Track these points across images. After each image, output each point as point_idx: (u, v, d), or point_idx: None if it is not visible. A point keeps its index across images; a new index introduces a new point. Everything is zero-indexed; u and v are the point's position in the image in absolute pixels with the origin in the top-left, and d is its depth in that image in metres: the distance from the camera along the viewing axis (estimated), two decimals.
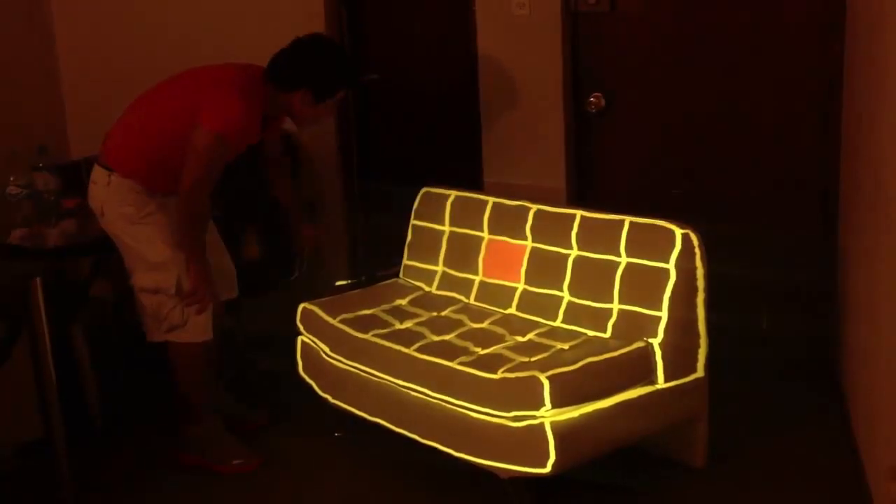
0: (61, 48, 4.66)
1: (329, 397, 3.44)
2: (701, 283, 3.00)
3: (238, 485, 3.32)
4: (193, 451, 3.42)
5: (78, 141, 4.61)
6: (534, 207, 3.42)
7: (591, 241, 3.21)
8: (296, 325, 3.57)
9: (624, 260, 3.10)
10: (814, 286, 3.71)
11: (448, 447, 2.98)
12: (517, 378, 2.81)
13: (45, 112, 4.60)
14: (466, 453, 2.92)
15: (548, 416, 2.76)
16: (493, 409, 2.82)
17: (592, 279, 3.17)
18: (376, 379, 3.19)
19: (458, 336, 3.23)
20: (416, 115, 4.46)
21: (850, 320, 3.37)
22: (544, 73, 3.93)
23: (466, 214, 3.62)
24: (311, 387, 3.52)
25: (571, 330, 3.18)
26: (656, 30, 3.86)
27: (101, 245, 3.57)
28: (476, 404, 2.86)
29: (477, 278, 3.55)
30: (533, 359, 2.96)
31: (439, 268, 3.68)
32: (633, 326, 3.03)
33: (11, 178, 3.73)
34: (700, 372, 3.07)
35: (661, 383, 2.99)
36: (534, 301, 3.34)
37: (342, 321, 3.38)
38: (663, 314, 2.97)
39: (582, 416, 2.81)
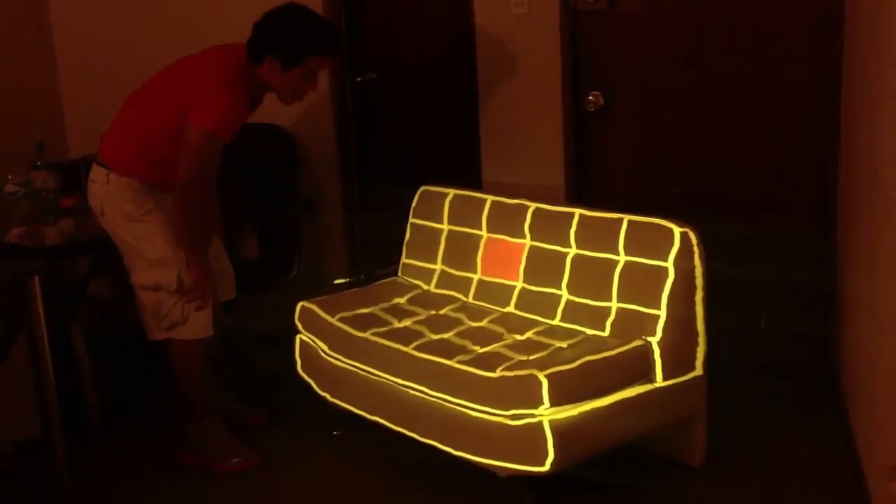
0: (60, 46, 4.65)
1: (328, 396, 3.44)
2: (699, 282, 3.00)
3: (237, 484, 3.31)
4: (192, 450, 3.42)
5: (76, 139, 4.60)
6: (532, 206, 3.42)
7: (589, 239, 3.21)
8: (294, 323, 3.57)
9: (622, 258, 3.10)
10: (812, 285, 3.72)
11: (447, 446, 2.98)
12: (516, 376, 2.81)
13: (43, 110, 4.60)
14: (465, 452, 2.92)
15: (546, 414, 2.76)
16: (492, 407, 2.82)
17: (591, 278, 3.17)
18: (375, 377, 3.19)
19: (457, 334, 3.23)
20: (415, 114, 4.46)
21: (848, 319, 3.37)
22: (543, 72, 3.93)
23: (465, 213, 3.62)
24: (309, 385, 3.52)
25: (570, 328, 3.18)
26: (655, 28, 3.86)
27: (99, 244, 3.57)
28: (475, 403, 2.86)
29: (475, 277, 3.55)
30: (531, 357, 2.96)
31: (438, 266, 3.68)
32: (631, 325, 3.03)
33: (10, 177, 3.72)
34: (698, 371, 3.07)
35: (659, 382, 2.99)
36: (532, 299, 3.34)
37: (341, 320, 3.38)
38: (662, 313, 2.97)
39: (580, 414, 2.81)
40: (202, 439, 3.42)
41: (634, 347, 2.97)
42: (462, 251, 3.60)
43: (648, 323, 2.99)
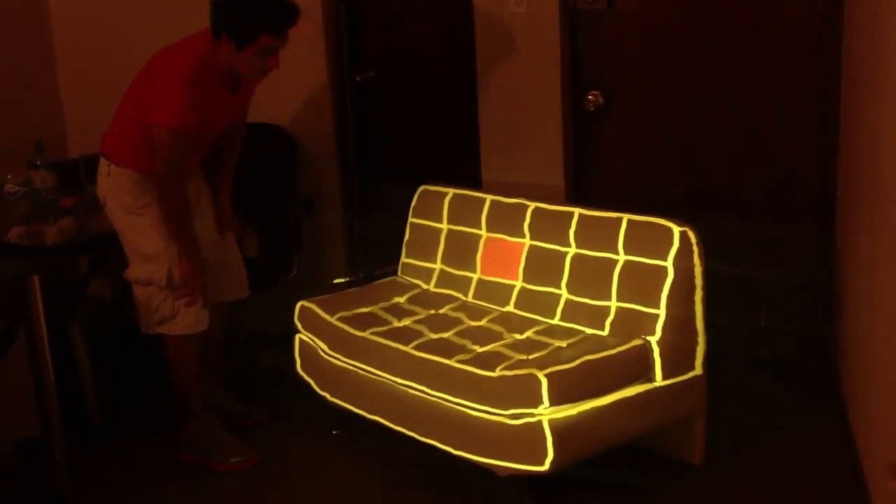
0: (59, 46, 4.65)
1: (327, 395, 3.44)
2: (699, 281, 3.00)
3: (236, 483, 3.31)
4: (191, 449, 3.42)
5: (76, 139, 4.60)
6: (532, 205, 3.42)
7: (589, 238, 3.21)
8: (294, 322, 3.57)
9: (622, 258, 3.10)
10: (812, 284, 3.72)
11: (446, 445, 2.98)
12: (515, 376, 2.81)
13: (42, 110, 4.60)
14: (465, 451, 2.92)
15: (546, 413, 2.76)
16: (492, 406, 2.82)
17: (590, 277, 3.17)
18: (374, 377, 3.19)
19: (457, 334, 3.23)
20: (415, 113, 4.45)
21: (848, 318, 3.37)
22: (542, 71, 3.93)
23: (464, 212, 3.62)
24: (309, 385, 3.52)
25: (569, 328, 3.18)
26: (654, 27, 3.86)
27: (99, 243, 3.57)
28: (474, 402, 2.86)
29: (475, 276, 3.55)
30: (531, 357, 2.96)
31: (437, 265, 3.68)
32: (631, 324, 3.03)
33: (9, 177, 3.73)
34: (698, 370, 3.07)
35: (659, 381, 2.99)
36: (532, 299, 3.34)
37: (340, 319, 3.38)
38: (661, 312, 2.97)
39: (580, 413, 2.81)
40: (201, 439, 3.42)
41: (634, 347, 2.97)
42: (461, 250, 3.60)
43: (648, 322, 2.99)
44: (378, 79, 4.45)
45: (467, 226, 3.60)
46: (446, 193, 3.70)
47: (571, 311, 3.21)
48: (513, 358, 2.97)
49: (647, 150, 3.97)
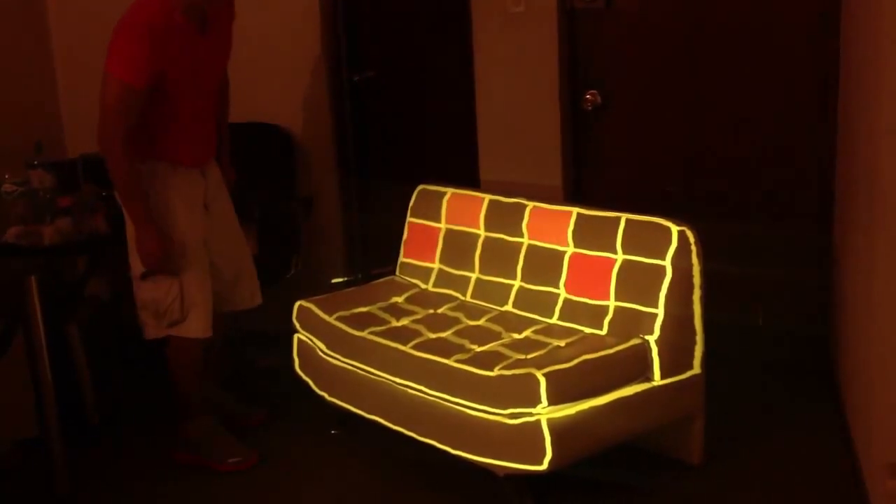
0: (56, 45, 4.65)
1: (326, 395, 3.44)
2: (697, 281, 3.00)
3: (235, 483, 3.31)
4: (190, 449, 3.42)
5: (74, 139, 4.60)
6: (530, 205, 3.42)
7: (587, 238, 3.21)
8: (292, 322, 3.57)
9: (620, 257, 3.10)
10: (810, 283, 3.71)
11: (445, 445, 2.98)
12: (514, 375, 2.81)
13: (40, 110, 4.59)
14: (463, 451, 2.92)
15: (544, 413, 2.76)
16: (490, 406, 2.82)
17: (589, 276, 3.17)
18: (373, 377, 3.19)
19: (455, 333, 3.23)
20: (413, 113, 4.46)
21: (846, 318, 3.37)
22: (540, 71, 3.93)
23: (463, 212, 3.62)
24: (307, 384, 3.52)
25: (568, 327, 3.18)
26: (652, 26, 3.86)
27: (96, 243, 3.57)
28: (472, 402, 2.86)
29: (473, 275, 3.55)
30: (529, 356, 2.96)
31: (435, 265, 3.68)
32: (629, 323, 3.03)
33: (7, 176, 3.72)
34: (696, 369, 3.07)
35: (657, 380, 2.99)
36: (530, 298, 3.34)
37: (338, 319, 3.38)
38: (660, 311, 2.97)
39: (578, 413, 2.81)
40: (201, 439, 3.42)
41: (632, 346, 2.97)
42: (460, 250, 3.60)
43: (646, 321, 2.99)
44: (376, 79, 4.45)
45: (465, 225, 3.60)
46: (445, 193, 3.70)
47: (570, 311, 3.21)
48: (511, 357, 2.97)
49: (645, 150, 3.97)
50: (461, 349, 3.08)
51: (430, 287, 3.67)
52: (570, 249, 3.25)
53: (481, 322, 3.32)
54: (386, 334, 3.24)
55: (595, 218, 3.21)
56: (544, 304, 3.29)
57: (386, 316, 3.42)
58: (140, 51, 3.01)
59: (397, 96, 4.47)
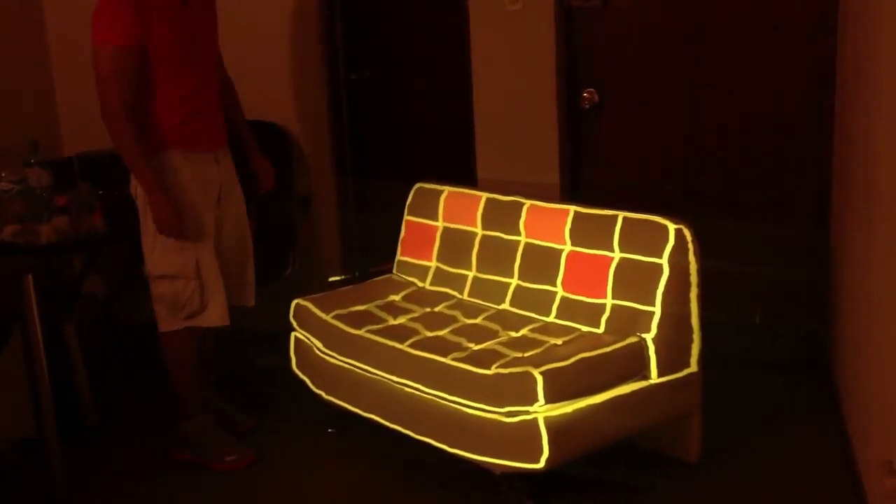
0: (53, 43, 4.64)
1: (323, 393, 3.44)
2: (694, 279, 3.00)
3: (232, 482, 3.31)
4: (187, 448, 3.41)
5: (70, 137, 4.60)
6: (527, 203, 3.42)
7: (584, 236, 3.21)
8: (289, 320, 3.56)
9: (617, 255, 3.10)
10: (807, 281, 3.72)
11: (442, 443, 2.98)
12: (511, 373, 2.81)
13: (37, 108, 4.59)
14: (460, 449, 2.92)
15: (541, 411, 2.76)
16: (487, 404, 2.82)
17: (586, 274, 3.17)
18: (370, 375, 3.19)
19: (452, 332, 3.23)
20: (410, 111, 4.46)
21: (843, 315, 3.38)
22: (537, 69, 3.93)
23: (460, 210, 3.62)
24: (304, 383, 3.52)
25: (565, 325, 3.18)
26: (649, 25, 3.86)
27: (93, 242, 3.56)
28: (470, 400, 2.86)
29: (470, 274, 3.55)
30: (526, 354, 2.96)
31: (433, 263, 3.68)
32: (626, 322, 3.03)
33: (3, 174, 3.71)
34: (693, 367, 3.07)
35: (654, 378, 2.99)
36: (527, 296, 3.34)
37: (335, 317, 3.38)
38: (657, 309, 2.98)
39: (575, 411, 2.81)
40: (198, 438, 3.41)
41: (629, 344, 2.97)
42: (457, 248, 3.60)
43: (643, 319, 2.99)
44: (373, 77, 4.45)
45: (463, 224, 3.60)
46: (442, 191, 3.70)
47: (567, 309, 3.21)
48: (508, 356, 2.96)
49: (642, 148, 3.97)
50: (458, 347, 3.08)
51: (427, 285, 3.67)
52: (568, 248, 3.25)
53: (478, 320, 3.32)
54: (383, 333, 3.23)
55: (592, 216, 3.21)
56: (541, 302, 3.29)
57: (383, 314, 3.42)
58: (121, 14, 3.04)
59: (395, 95, 4.47)
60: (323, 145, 4.46)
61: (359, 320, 3.35)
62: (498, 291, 3.44)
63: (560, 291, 3.25)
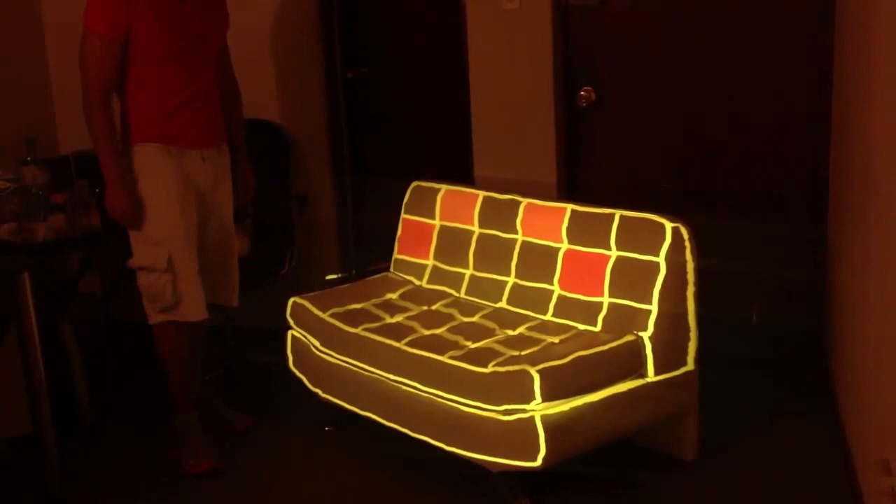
0: (50, 42, 4.64)
1: (319, 392, 3.44)
2: (691, 277, 3.00)
3: (229, 481, 3.30)
4: (176, 446, 3.39)
5: (67, 135, 4.59)
6: (524, 201, 3.42)
7: (581, 234, 3.21)
8: (286, 319, 3.56)
9: (614, 253, 3.10)
10: (804, 280, 3.72)
11: (438, 441, 2.98)
12: (508, 372, 2.81)
13: (33, 106, 4.59)
14: (457, 447, 2.92)
15: (538, 409, 2.76)
16: (484, 402, 2.82)
17: (583, 273, 3.17)
18: (367, 373, 3.19)
19: (449, 330, 3.23)
20: (407, 109, 4.45)
21: (840, 314, 3.38)
22: (535, 67, 3.93)
23: (457, 208, 3.62)
24: (301, 381, 3.52)
25: (562, 323, 3.18)
26: (646, 23, 3.86)
27: (90, 240, 3.56)
28: (466, 398, 2.86)
29: (467, 272, 3.55)
30: (523, 352, 2.96)
31: (430, 262, 3.68)
32: (623, 320, 3.03)
33: None
34: (690, 365, 3.07)
35: (651, 377, 2.99)
36: (524, 295, 3.34)
37: (332, 315, 3.38)
38: (653, 308, 2.98)
39: (572, 409, 2.81)
40: (182, 436, 3.38)
41: (626, 342, 2.97)
42: (454, 247, 3.60)
43: (640, 318, 3.00)
44: (370, 75, 4.44)
45: (460, 222, 3.60)
46: (439, 189, 3.70)
47: (564, 307, 3.21)
48: (505, 354, 2.96)
49: (639, 146, 3.97)
50: (455, 346, 3.08)
51: (424, 283, 3.67)
52: (565, 246, 3.25)
53: (475, 319, 3.32)
54: (380, 331, 3.23)
55: (589, 214, 3.21)
56: (538, 300, 3.29)
57: (380, 312, 3.42)
58: (109, 4, 3.08)
59: (392, 93, 4.47)
60: (320, 143, 4.46)
61: (356, 319, 3.35)
62: (495, 290, 3.44)
63: (557, 290, 3.25)
